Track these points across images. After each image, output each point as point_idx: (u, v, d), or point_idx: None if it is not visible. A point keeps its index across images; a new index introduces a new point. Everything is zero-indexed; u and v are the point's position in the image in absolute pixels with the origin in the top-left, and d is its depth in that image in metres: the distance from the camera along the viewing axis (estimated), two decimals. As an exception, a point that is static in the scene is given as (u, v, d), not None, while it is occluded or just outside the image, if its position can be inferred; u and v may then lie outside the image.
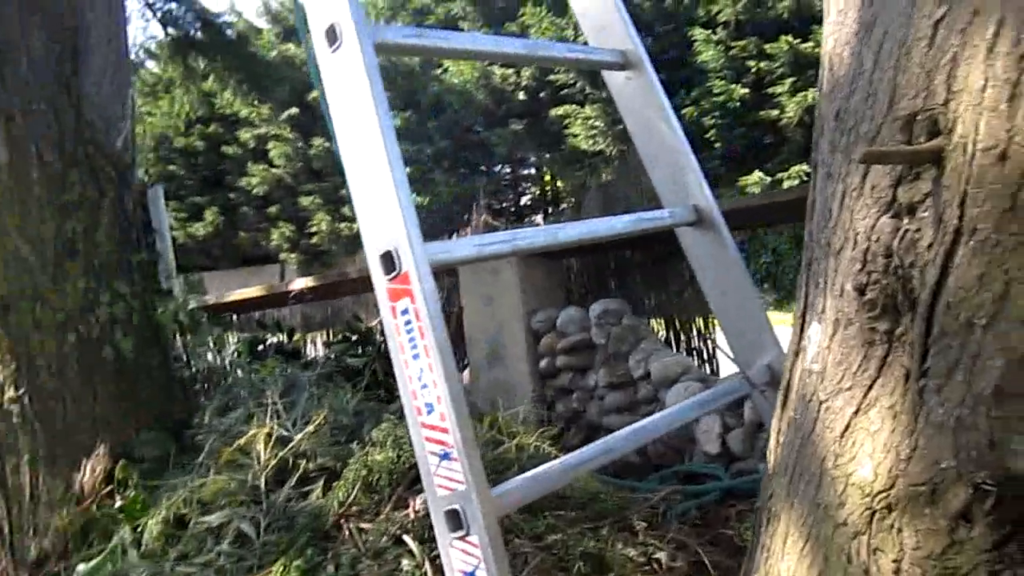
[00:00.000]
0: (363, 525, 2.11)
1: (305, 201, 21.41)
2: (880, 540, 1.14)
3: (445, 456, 1.60)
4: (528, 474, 1.70)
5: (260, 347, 3.99)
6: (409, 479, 2.25)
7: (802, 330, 1.41)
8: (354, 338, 3.81)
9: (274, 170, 21.85)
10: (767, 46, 14.79)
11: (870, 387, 1.19)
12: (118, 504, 2.71)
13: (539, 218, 22.20)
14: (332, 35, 1.70)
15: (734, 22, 15.43)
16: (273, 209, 22.13)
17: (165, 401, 3.16)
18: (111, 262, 3.13)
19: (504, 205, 23.92)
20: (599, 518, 2.23)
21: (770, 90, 14.82)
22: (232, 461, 2.44)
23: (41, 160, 3.06)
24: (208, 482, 2.43)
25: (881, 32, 1.22)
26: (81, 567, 2.52)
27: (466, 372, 3.74)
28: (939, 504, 1.06)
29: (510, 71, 19.03)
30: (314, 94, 22.05)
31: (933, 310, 1.08)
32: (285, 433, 2.45)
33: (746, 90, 15.09)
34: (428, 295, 1.59)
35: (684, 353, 3.74)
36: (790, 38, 14.36)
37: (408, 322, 1.62)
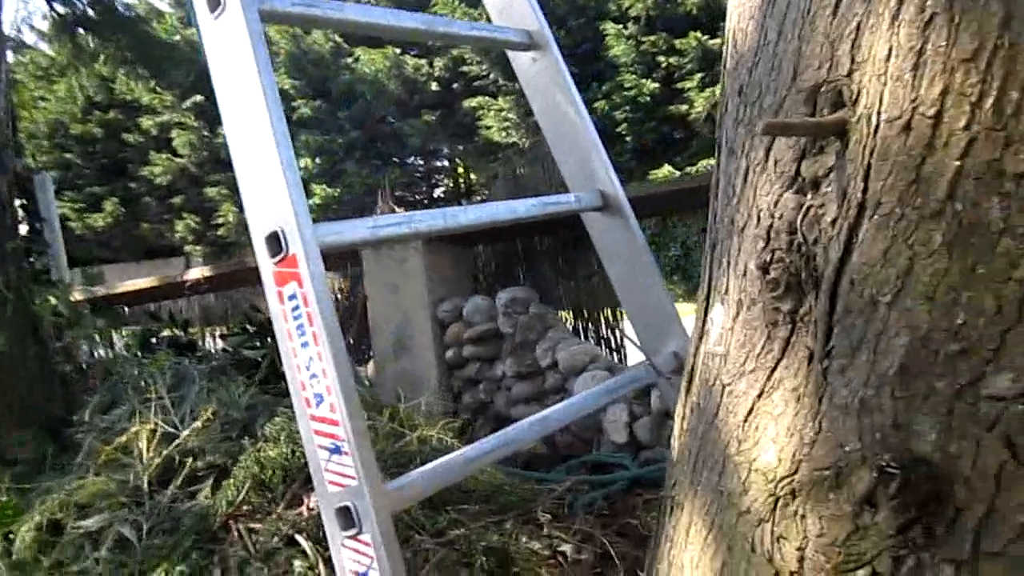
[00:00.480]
0: (253, 525, 1.99)
1: (211, 192, 20.74)
2: (784, 527, 1.10)
3: (336, 450, 1.50)
4: (426, 467, 1.61)
5: (153, 340, 3.78)
6: (304, 476, 2.13)
7: (706, 313, 1.37)
8: (252, 330, 3.64)
9: (178, 159, 21.10)
10: (677, 42, 15.05)
11: (773, 369, 1.14)
12: (-13, 510, 2.50)
13: (453, 210, 21.99)
14: (214, 0, 1.58)
15: (645, 17, 15.64)
16: (177, 200, 21.39)
17: (43, 398, 2.93)
18: (-21, 250, 2.90)
19: (417, 197, 23.68)
20: (504, 511, 2.16)
21: (680, 85, 15.09)
22: (113, 461, 2.27)
23: None
24: (86, 484, 2.26)
25: (785, 2, 1.18)
26: (-57, 581, 2.32)
27: (371, 363, 3.63)
28: (843, 489, 1.02)
29: (422, 60, 18.83)
30: (220, 81, 21.28)
31: (837, 288, 1.04)
32: (171, 430, 2.29)
33: (656, 85, 15.33)
34: (317, 279, 1.49)
35: (592, 342, 3.71)
36: (699, 34, 14.66)
37: (296, 308, 1.52)
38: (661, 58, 15.33)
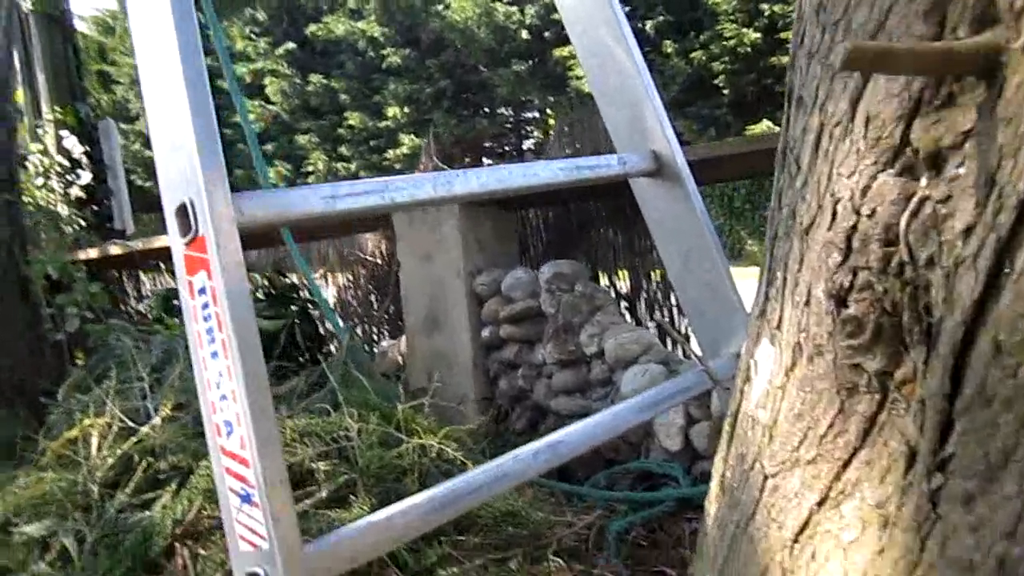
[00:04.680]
0: (202, 551, 1.64)
1: (302, 139, 20.85)
2: None
3: (246, 498, 1.13)
4: (375, 517, 1.21)
5: (175, 302, 3.49)
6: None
7: (756, 344, 0.91)
8: (269, 295, 3.30)
9: (270, 106, 21.24)
10: (782, -13, 14.12)
11: (847, 463, 0.69)
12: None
13: (541, 164, 21.70)
14: None
15: (748, -39, 14.71)
16: (269, 147, 21.62)
17: (31, 368, 2.66)
18: (-33, 198, 2.62)
19: (507, 149, 23.26)
20: (511, 545, 1.75)
21: (783, 35, 14.16)
22: (64, 456, 1.97)
23: None
24: (44, 480, 1.97)
25: None
26: None
27: (403, 338, 3.26)
28: None
29: (513, 8, 18.28)
30: (312, 28, 21.41)
31: (968, 349, 0.58)
32: (132, 424, 1.97)
33: (758, 35, 14.43)
34: (230, 268, 1.11)
35: (654, 328, 3.23)
36: (807, -22, 13.67)
37: (206, 305, 1.14)
38: (764, 6, 14.39)
